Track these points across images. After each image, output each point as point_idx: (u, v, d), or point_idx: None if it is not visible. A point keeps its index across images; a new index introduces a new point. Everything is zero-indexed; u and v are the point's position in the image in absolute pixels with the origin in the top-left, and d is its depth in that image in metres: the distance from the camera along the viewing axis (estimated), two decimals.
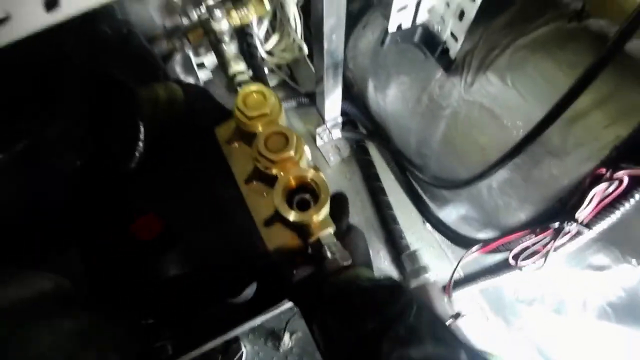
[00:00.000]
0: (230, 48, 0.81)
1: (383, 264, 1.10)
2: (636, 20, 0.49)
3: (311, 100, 1.22)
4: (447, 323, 0.79)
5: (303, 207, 0.58)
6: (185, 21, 0.91)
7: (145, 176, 0.61)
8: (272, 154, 0.58)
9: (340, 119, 1.17)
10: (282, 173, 0.59)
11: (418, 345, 0.39)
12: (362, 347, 0.41)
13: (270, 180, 0.61)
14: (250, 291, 0.91)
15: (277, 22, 1.22)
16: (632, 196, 0.53)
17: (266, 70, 1.27)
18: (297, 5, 1.17)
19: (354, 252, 0.57)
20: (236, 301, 0.88)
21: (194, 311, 0.75)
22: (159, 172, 0.62)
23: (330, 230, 0.61)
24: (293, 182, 0.58)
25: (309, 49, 1.25)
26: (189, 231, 0.62)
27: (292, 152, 0.58)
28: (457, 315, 0.78)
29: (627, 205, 0.54)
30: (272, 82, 1.33)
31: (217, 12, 0.81)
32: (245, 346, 1.07)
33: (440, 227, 0.97)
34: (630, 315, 0.65)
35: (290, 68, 1.34)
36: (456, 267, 0.77)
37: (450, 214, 0.98)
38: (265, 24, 1.21)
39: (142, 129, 0.60)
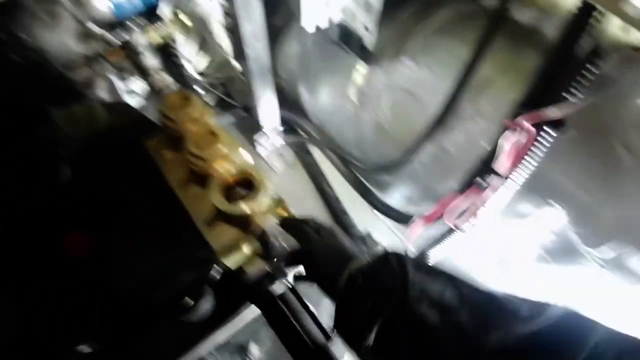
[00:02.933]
0: (153, 63, 0.81)
1: None
2: None
3: (249, 114, 1.24)
4: None
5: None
6: (104, 46, 0.90)
7: (72, 195, 0.59)
8: (203, 152, 0.58)
9: (280, 127, 1.19)
10: (216, 170, 0.60)
11: (437, 290, 0.44)
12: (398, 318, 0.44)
13: (207, 181, 0.61)
14: (206, 306, 0.88)
15: (206, 43, 1.24)
16: (541, 143, 0.58)
17: (201, 91, 1.28)
18: (223, 25, 1.20)
19: (340, 249, 0.58)
20: (193, 319, 0.85)
21: (143, 332, 0.72)
22: (86, 190, 0.60)
23: (274, 219, 0.61)
24: (228, 176, 0.59)
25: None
26: (127, 246, 0.60)
27: (222, 148, 0.59)
28: None
29: (539, 152, 0.59)
30: (209, 101, 1.33)
31: (136, 31, 0.81)
32: None
33: (388, 211, 1.00)
34: (563, 253, 0.70)
35: (224, 86, 1.36)
36: (405, 242, 0.80)
37: (395, 197, 1.02)
38: (193, 45, 1.23)
39: (62, 148, 0.58)
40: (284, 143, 1.26)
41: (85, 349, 0.63)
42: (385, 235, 1.05)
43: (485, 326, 0.39)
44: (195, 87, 1.22)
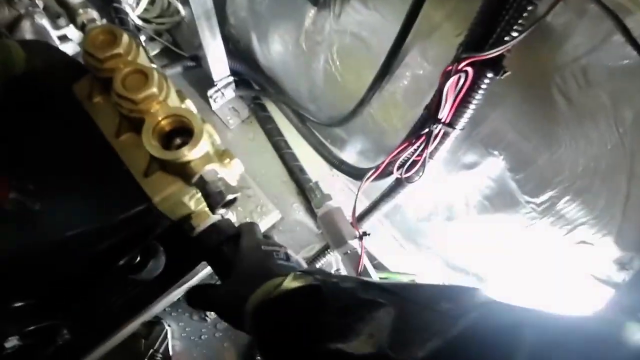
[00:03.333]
0: None
1: (298, 215, 1.12)
2: None
3: (198, 64, 1.17)
4: (355, 242, 0.83)
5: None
6: None
7: None
8: (133, 94, 0.54)
9: (231, 79, 1.14)
10: (148, 114, 0.56)
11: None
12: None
13: (141, 128, 0.57)
14: (157, 264, 0.86)
15: None
16: (480, 86, 0.58)
17: (143, 38, 1.19)
18: None
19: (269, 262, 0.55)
20: (144, 277, 0.83)
21: (91, 290, 0.70)
22: (7, 138, 0.55)
23: (213, 166, 0.59)
24: (162, 121, 0.55)
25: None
26: (55, 201, 0.56)
27: (154, 89, 0.55)
28: (363, 235, 0.82)
29: (478, 96, 0.59)
30: (154, 50, 1.24)
31: None
32: (169, 325, 1.03)
33: (343, 167, 0.99)
34: (503, 201, 0.73)
35: (171, 34, 1.27)
36: (357, 193, 0.80)
37: (350, 153, 1.01)
38: None
39: None
40: (236, 97, 1.21)
41: (21, 306, 0.60)
42: (344, 194, 1.06)
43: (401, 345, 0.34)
44: (138, 34, 1.13)
